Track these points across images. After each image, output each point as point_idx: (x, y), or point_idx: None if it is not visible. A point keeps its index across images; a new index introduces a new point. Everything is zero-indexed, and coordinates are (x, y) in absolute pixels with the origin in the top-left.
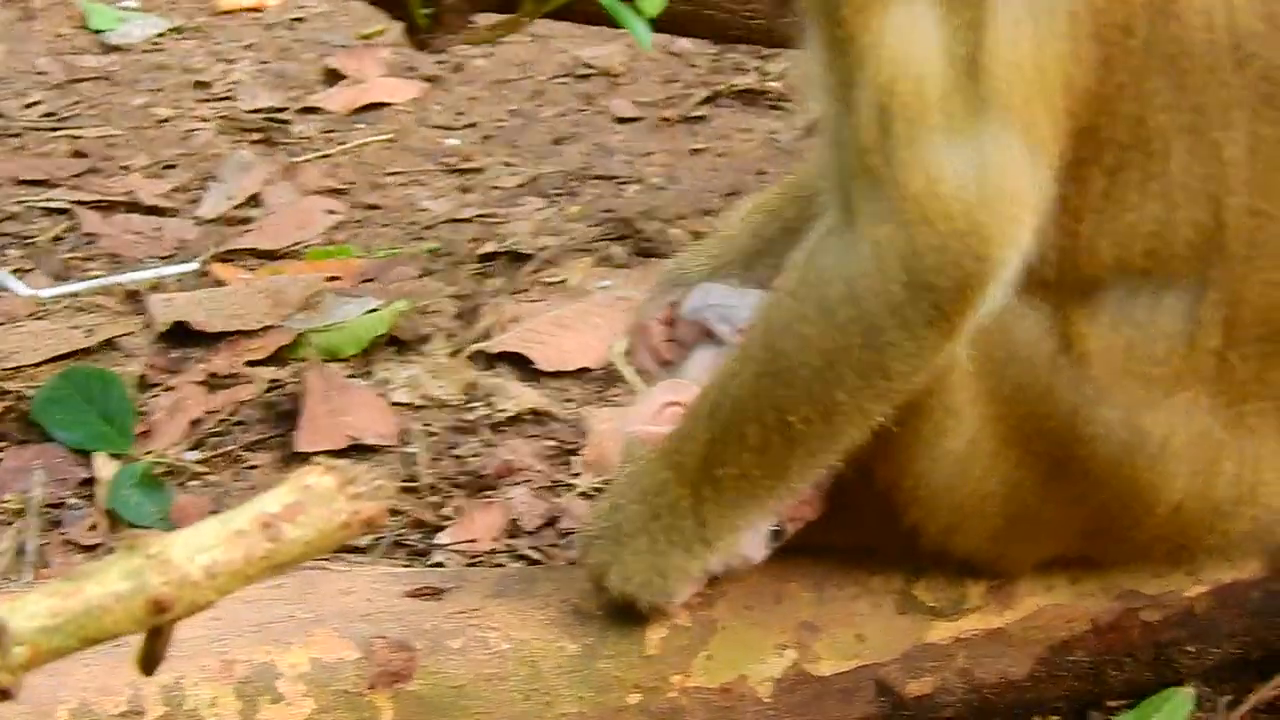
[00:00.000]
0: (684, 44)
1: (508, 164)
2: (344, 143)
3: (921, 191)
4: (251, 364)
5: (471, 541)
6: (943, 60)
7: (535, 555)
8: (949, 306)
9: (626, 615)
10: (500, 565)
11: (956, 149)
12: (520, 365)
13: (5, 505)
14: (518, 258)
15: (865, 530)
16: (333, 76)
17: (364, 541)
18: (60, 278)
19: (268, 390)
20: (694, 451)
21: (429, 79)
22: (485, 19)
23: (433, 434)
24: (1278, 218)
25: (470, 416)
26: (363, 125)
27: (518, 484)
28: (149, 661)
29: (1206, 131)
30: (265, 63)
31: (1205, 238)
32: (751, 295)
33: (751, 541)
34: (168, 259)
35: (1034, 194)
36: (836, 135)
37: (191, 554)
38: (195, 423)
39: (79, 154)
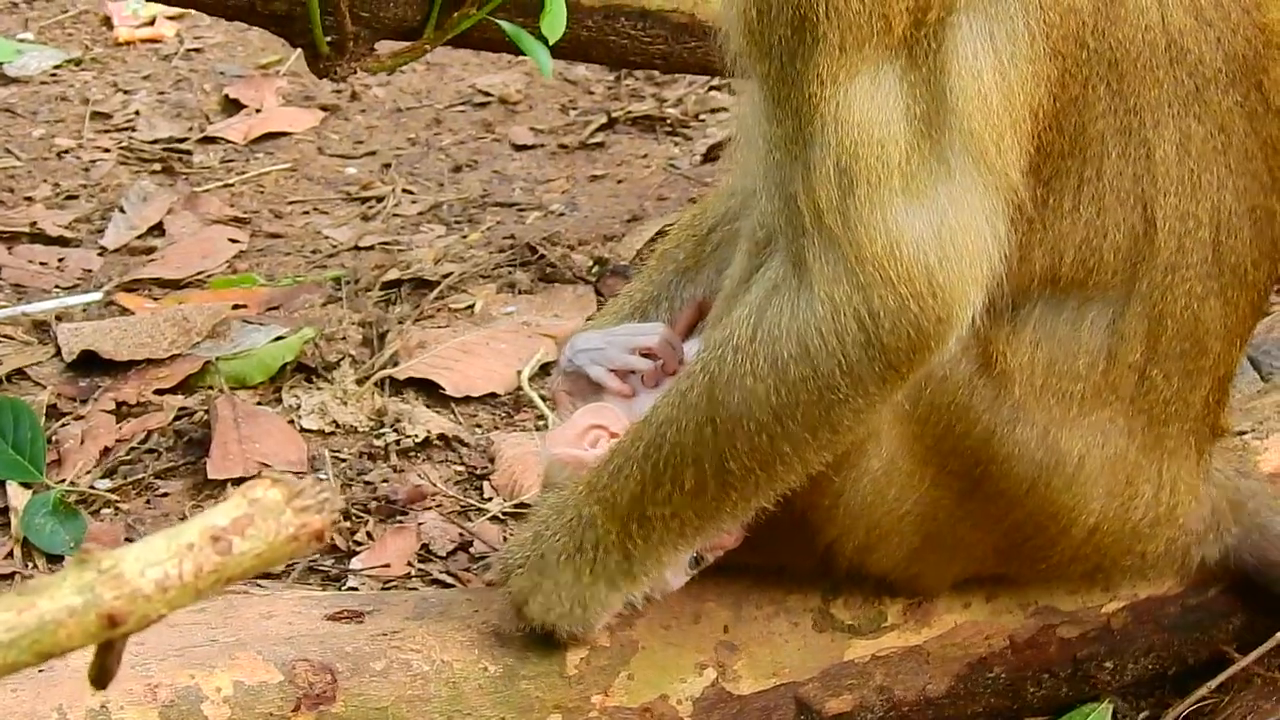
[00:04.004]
0: (581, 71)
1: (408, 192)
2: (244, 172)
3: (881, 254)
4: (160, 392)
5: (384, 566)
6: (904, 122)
7: (448, 579)
8: (902, 364)
9: (545, 641)
10: (414, 589)
11: (917, 211)
12: (428, 391)
13: None
14: (422, 284)
15: (783, 549)
16: (231, 106)
17: (277, 568)
18: None
19: (177, 418)
20: (625, 490)
21: (327, 108)
22: (386, 46)
23: (342, 460)
24: (1204, 222)
25: (379, 442)
26: (262, 154)
27: (428, 509)
28: (101, 676)
29: (1139, 131)
30: (164, 93)
31: (1134, 243)
32: (619, 331)
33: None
34: (72, 289)
35: (993, 250)
36: (783, 188)
37: (143, 568)
38: (106, 451)
39: None
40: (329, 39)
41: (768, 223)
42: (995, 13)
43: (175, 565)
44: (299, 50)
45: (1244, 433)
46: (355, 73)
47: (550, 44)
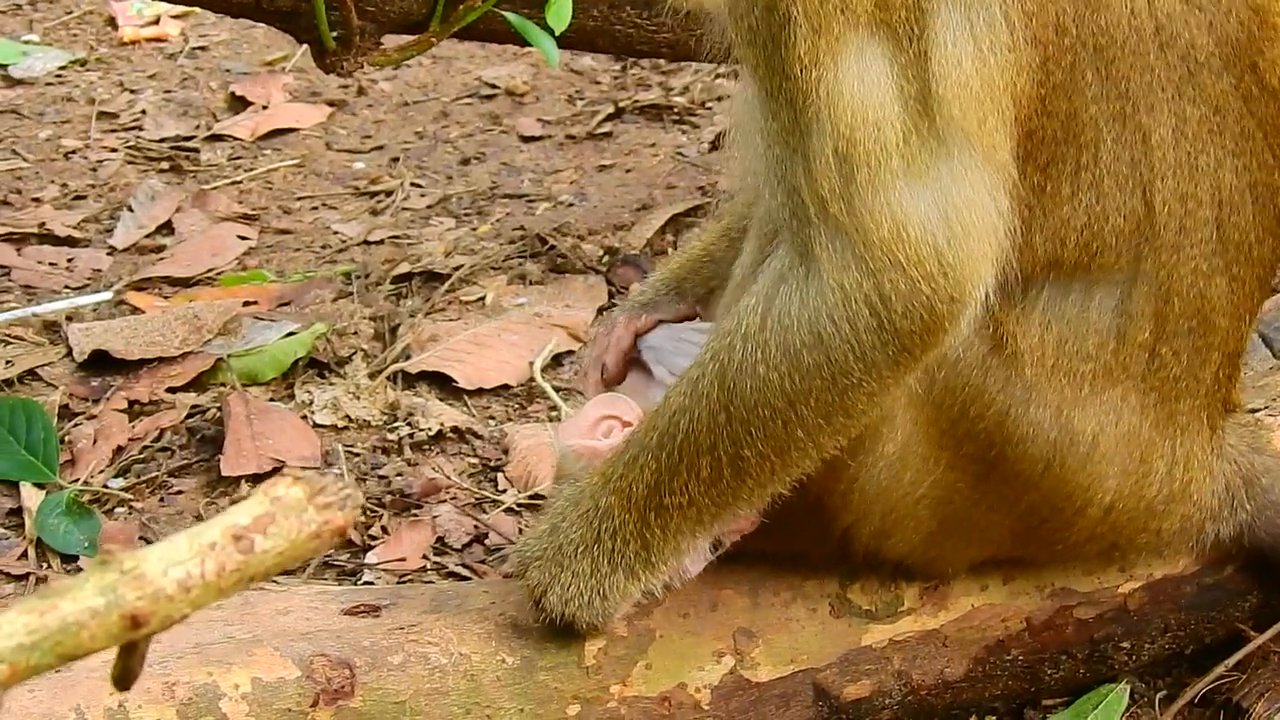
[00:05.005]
0: (587, 61)
1: (417, 185)
2: (252, 169)
3: (888, 238)
4: (172, 390)
5: (400, 560)
6: (898, 103)
7: (464, 572)
8: (916, 347)
9: (564, 632)
10: (430, 583)
11: (920, 192)
12: (440, 384)
13: None
14: (432, 278)
15: (799, 536)
16: (238, 103)
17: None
18: None
19: (190, 416)
20: (641, 480)
21: (333, 103)
22: (393, 40)
23: (356, 454)
24: (1205, 202)
25: (393, 436)
26: (270, 151)
27: (443, 502)
28: (124, 677)
29: (1133, 116)
30: (170, 92)
31: (1135, 226)
32: (691, 331)
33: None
34: (82, 289)
35: (999, 224)
36: (785, 181)
37: (165, 568)
38: (119, 450)
39: None
40: (335, 34)
41: (773, 217)
42: (971, 2)
43: (198, 565)
44: (305, 46)
45: (1257, 409)
46: (362, 68)
47: (556, 34)
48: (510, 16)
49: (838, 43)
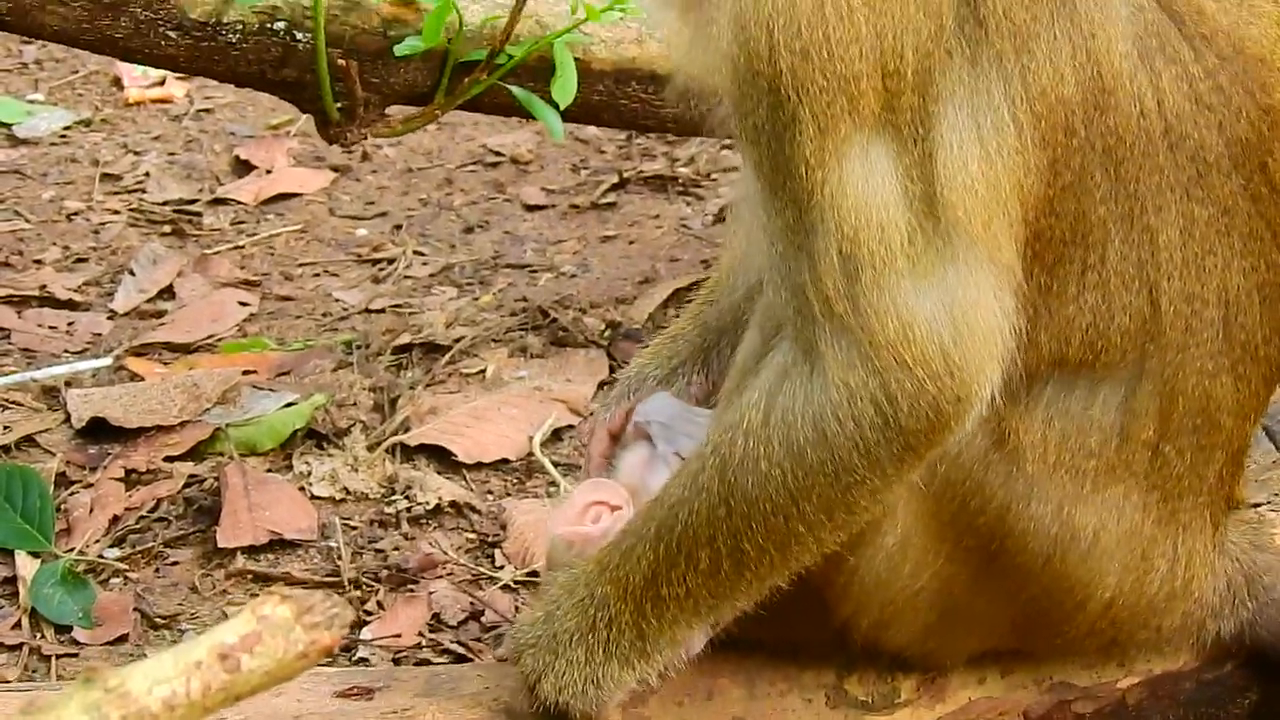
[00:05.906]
0: (591, 130)
1: (419, 253)
2: (255, 234)
3: (894, 338)
4: (170, 459)
5: (395, 636)
6: (903, 204)
7: (459, 650)
8: (921, 445)
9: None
10: (425, 660)
11: (925, 292)
12: (439, 457)
13: None
14: (433, 349)
15: (797, 626)
16: (242, 167)
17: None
18: None
19: (187, 486)
20: (638, 570)
21: (338, 169)
22: (397, 110)
23: (353, 528)
24: (1211, 302)
25: (390, 510)
26: (273, 216)
27: (439, 577)
28: None
29: (1141, 217)
30: (174, 154)
31: (1141, 325)
32: (702, 416)
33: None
34: (82, 353)
35: (1004, 325)
36: (789, 278)
37: (150, 686)
38: (115, 519)
39: None
40: (339, 105)
41: (775, 313)
42: (979, 105)
43: (183, 683)
44: None
45: (1259, 505)
46: (365, 139)
47: (561, 109)
48: (515, 90)
49: (844, 143)
